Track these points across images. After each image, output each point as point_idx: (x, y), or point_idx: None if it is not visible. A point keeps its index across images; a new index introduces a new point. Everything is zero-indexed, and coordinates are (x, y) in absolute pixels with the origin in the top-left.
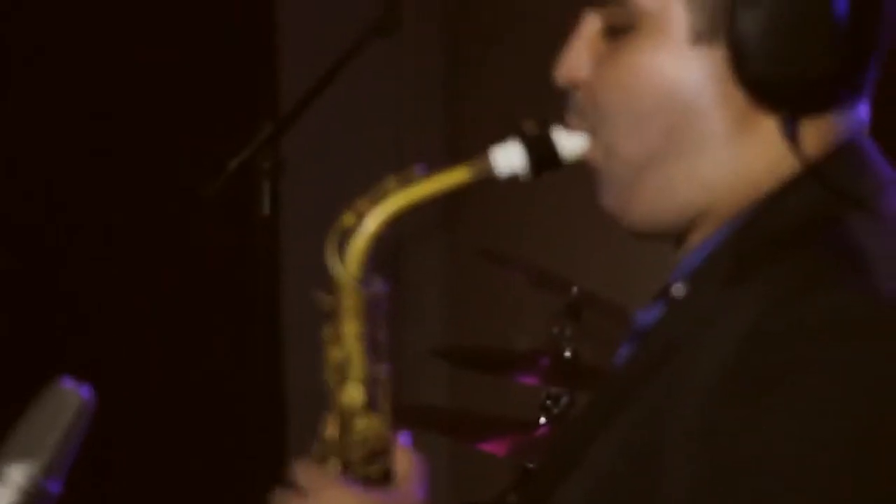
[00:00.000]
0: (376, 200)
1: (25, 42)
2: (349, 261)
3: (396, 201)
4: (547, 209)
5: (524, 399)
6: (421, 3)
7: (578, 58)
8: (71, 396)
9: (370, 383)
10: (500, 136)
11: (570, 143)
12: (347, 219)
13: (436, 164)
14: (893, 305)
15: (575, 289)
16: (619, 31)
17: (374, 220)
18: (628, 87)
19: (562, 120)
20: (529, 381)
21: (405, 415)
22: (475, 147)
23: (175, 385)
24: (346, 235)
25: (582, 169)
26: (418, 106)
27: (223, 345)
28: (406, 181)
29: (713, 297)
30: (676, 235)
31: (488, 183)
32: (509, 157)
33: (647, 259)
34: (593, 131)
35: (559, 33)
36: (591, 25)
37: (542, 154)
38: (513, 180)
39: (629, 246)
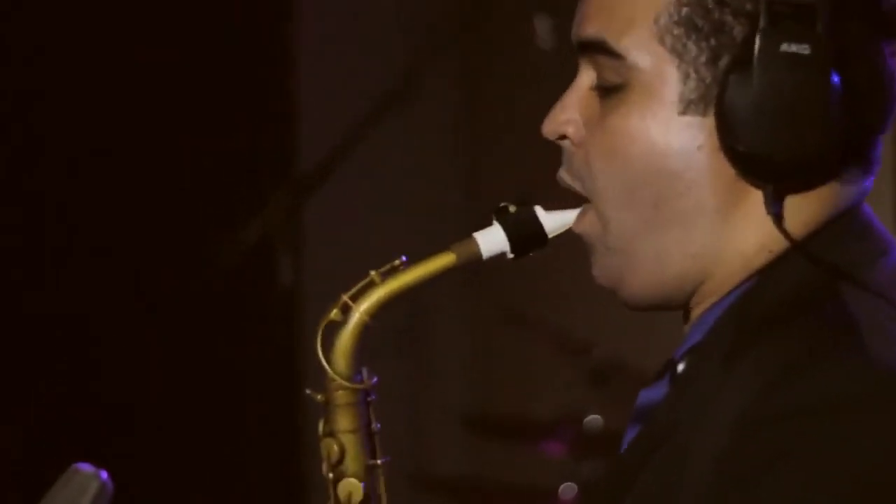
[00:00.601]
0: (361, 293)
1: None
2: (337, 357)
3: (381, 292)
4: (571, 271)
5: (547, 466)
6: (437, 69)
7: (566, 113)
8: (89, 480)
9: (367, 477)
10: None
11: (552, 219)
12: (333, 313)
13: (456, 227)
14: (886, 378)
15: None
16: (611, 90)
17: (359, 314)
18: (617, 154)
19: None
20: (552, 448)
21: (424, 484)
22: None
23: (192, 459)
24: (332, 330)
25: None
26: (438, 171)
27: (243, 423)
28: (389, 271)
29: (711, 375)
30: (673, 308)
31: None
32: (493, 239)
33: (674, 323)
34: (586, 194)
35: None
36: (584, 79)
37: (525, 233)
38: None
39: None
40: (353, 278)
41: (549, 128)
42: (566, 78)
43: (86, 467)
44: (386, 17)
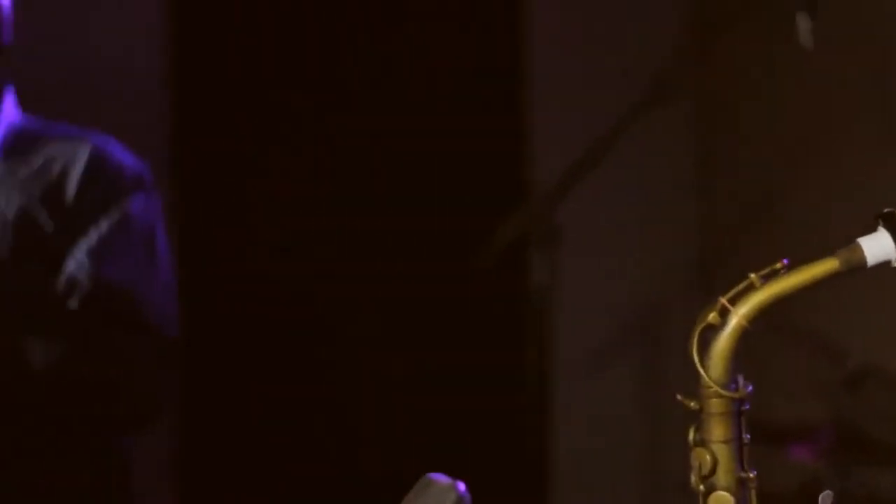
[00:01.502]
0: (740, 296)
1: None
2: (713, 362)
3: (761, 296)
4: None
5: (803, 472)
6: (678, 79)
7: None
8: (446, 493)
9: (738, 491)
10: (754, 208)
11: None
12: (710, 316)
13: (695, 236)
14: None
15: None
16: None
17: (738, 318)
18: None
19: None
20: (806, 454)
21: (659, 486)
22: (729, 216)
23: (439, 454)
24: (708, 334)
25: None
26: (675, 179)
27: (490, 417)
28: (770, 275)
29: None
30: None
31: (743, 241)
32: (879, 246)
33: None
34: None
35: (812, 119)
36: None
37: None
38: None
39: None
40: (602, 278)
41: None
42: (809, 104)
43: (441, 478)
44: (623, 31)
